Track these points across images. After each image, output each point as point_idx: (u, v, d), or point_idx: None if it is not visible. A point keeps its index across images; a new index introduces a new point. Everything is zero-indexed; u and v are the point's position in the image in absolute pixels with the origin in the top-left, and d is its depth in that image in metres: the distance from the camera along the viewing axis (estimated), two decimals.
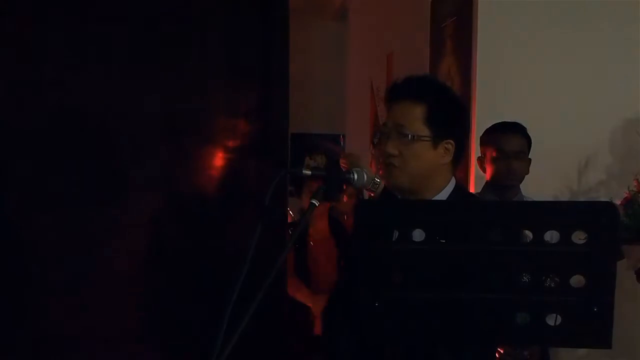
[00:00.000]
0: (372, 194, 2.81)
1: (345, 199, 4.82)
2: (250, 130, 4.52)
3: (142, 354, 4.43)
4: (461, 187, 2.42)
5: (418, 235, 1.78)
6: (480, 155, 3.68)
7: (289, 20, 4.51)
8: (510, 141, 3.56)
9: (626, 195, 3.46)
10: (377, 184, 2.61)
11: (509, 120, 3.65)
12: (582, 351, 3.77)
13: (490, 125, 3.67)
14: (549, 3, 4.04)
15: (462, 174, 4.07)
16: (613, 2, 4.04)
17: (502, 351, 2.95)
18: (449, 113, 2.36)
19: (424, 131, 2.31)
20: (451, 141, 2.34)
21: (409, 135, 2.30)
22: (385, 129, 2.37)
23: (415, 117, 2.32)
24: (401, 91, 2.37)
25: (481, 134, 3.70)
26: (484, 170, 3.65)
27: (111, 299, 4.39)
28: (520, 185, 3.62)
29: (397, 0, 5.85)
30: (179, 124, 4.44)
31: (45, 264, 4.33)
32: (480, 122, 3.89)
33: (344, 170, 2.69)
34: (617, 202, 3.41)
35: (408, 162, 2.32)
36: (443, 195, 2.36)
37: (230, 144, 4.51)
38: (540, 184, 3.72)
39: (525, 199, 3.55)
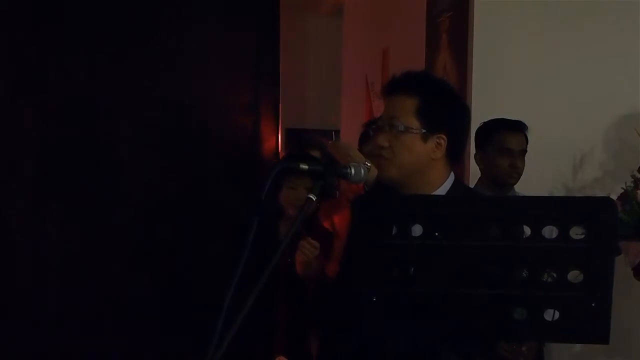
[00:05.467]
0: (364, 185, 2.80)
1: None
2: (242, 125, 4.52)
3: (137, 350, 4.43)
4: (460, 183, 2.43)
5: (417, 230, 1.77)
6: (478, 150, 3.67)
7: (279, 16, 4.51)
8: (516, 139, 3.58)
9: (623, 191, 3.46)
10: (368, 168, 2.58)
11: (506, 117, 3.65)
12: (577, 346, 3.77)
13: (487, 121, 3.66)
14: None
15: (457, 170, 4.06)
16: (608, 0, 4.03)
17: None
18: (442, 108, 2.36)
19: (414, 124, 2.32)
20: (443, 136, 2.35)
21: (399, 127, 2.32)
22: (379, 122, 2.41)
23: (407, 109, 2.33)
24: (396, 85, 2.39)
25: (476, 130, 3.69)
26: (483, 167, 3.65)
27: (105, 294, 4.38)
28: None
29: None
30: (173, 120, 4.44)
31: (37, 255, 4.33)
32: (475, 118, 3.87)
33: (337, 162, 2.70)
34: (614, 198, 3.40)
35: (397, 154, 2.33)
36: (441, 191, 2.37)
37: (223, 139, 4.50)
38: (535, 181, 3.72)
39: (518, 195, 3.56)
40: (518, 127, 3.61)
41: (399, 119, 2.32)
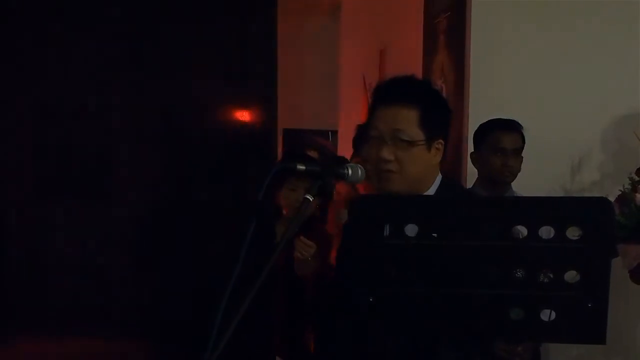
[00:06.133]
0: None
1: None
2: (240, 125, 4.52)
3: (134, 349, 4.43)
4: (447, 181, 2.43)
5: (410, 229, 1.78)
6: (473, 151, 3.68)
7: (276, 18, 4.51)
8: (508, 138, 3.58)
9: (620, 193, 3.44)
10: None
11: (503, 117, 3.65)
12: (575, 347, 3.77)
13: (485, 122, 3.67)
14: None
15: (455, 170, 4.07)
16: (605, 1, 4.03)
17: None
18: (439, 114, 2.38)
19: (419, 135, 2.32)
20: (441, 140, 2.37)
21: (407, 140, 2.30)
22: (376, 133, 2.36)
23: (411, 121, 2.32)
24: (393, 95, 2.36)
25: (475, 131, 3.70)
26: (478, 166, 3.65)
27: (103, 294, 4.38)
28: (513, 183, 3.62)
29: None
30: (168, 120, 4.44)
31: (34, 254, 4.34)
32: (473, 118, 3.89)
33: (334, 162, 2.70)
34: (611, 200, 3.40)
35: (406, 167, 2.32)
36: (431, 191, 2.38)
37: (221, 139, 4.51)
38: (533, 182, 3.72)
39: (515, 195, 3.56)
40: (511, 126, 3.61)
41: (405, 132, 2.31)
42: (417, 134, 2.31)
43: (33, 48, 4.30)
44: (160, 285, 4.47)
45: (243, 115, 4.58)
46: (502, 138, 3.59)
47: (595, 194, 3.88)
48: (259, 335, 3.57)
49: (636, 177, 3.46)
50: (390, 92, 2.38)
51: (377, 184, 2.38)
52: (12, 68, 4.33)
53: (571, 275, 1.74)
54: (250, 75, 4.55)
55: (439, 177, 2.41)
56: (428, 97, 2.38)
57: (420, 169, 2.34)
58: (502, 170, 3.57)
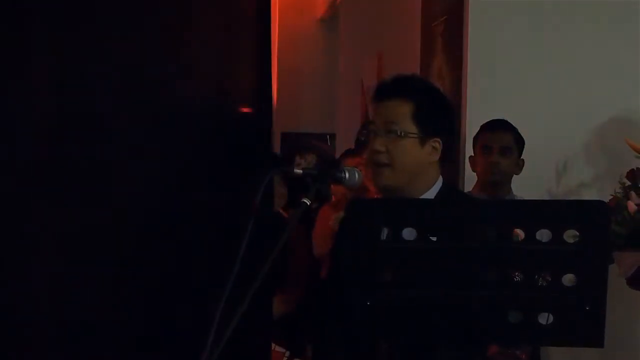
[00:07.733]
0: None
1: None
2: (235, 126, 4.51)
3: (129, 354, 4.43)
4: (449, 185, 2.45)
5: (408, 233, 1.78)
6: (472, 155, 3.68)
7: (270, 17, 4.50)
8: (494, 137, 3.57)
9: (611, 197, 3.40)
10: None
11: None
12: (574, 350, 3.76)
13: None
14: (539, 3, 4.04)
15: (453, 174, 4.07)
16: (600, 3, 4.03)
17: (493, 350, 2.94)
18: (436, 111, 2.40)
19: (412, 128, 2.35)
20: (438, 140, 2.38)
21: (398, 132, 2.33)
22: (373, 127, 2.40)
23: (403, 114, 2.35)
24: (389, 90, 2.41)
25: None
26: (475, 170, 3.65)
27: (96, 297, 4.38)
28: (514, 186, 3.62)
29: None
30: (163, 119, 4.42)
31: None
32: (471, 121, 3.89)
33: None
34: None
35: (395, 159, 2.34)
36: (431, 193, 2.39)
37: (216, 139, 4.50)
38: (532, 184, 3.72)
39: (516, 199, 3.54)
40: (496, 125, 3.60)
41: (398, 124, 2.34)
42: (409, 127, 2.34)
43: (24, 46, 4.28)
44: (160, 286, 4.46)
45: (238, 117, 4.57)
46: (488, 137, 3.58)
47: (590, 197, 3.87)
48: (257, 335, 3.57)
49: (627, 181, 3.41)
50: (385, 88, 2.43)
51: (372, 180, 2.40)
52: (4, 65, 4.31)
53: (569, 279, 1.74)
54: (249, 77, 4.53)
55: (439, 181, 2.42)
56: (424, 93, 2.42)
57: (411, 163, 2.35)
58: (489, 169, 3.54)
